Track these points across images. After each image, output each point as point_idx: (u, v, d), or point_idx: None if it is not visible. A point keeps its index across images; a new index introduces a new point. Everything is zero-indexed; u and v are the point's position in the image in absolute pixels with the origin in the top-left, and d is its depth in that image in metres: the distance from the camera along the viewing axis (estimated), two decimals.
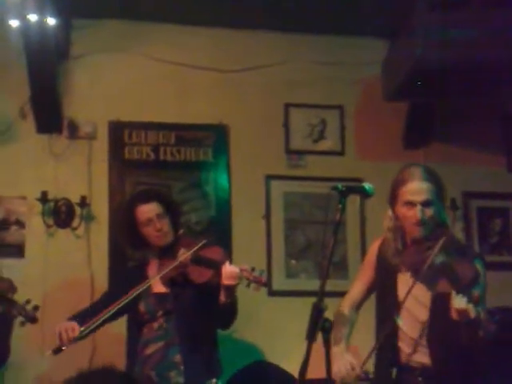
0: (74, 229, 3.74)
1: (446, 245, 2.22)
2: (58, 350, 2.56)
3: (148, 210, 2.71)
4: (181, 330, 2.63)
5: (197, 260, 2.61)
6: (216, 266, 2.56)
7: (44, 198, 3.68)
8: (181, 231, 2.82)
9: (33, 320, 2.69)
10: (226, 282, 2.49)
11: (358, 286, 2.49)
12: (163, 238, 2.71)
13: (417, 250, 2.27)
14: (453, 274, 2.11)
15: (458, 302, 2.01)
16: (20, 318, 2.68)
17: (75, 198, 3.74)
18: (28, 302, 2.69)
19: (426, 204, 2.23)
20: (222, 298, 2.55)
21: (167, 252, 2.70)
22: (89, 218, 3.78)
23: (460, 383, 2.21)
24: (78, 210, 3.74)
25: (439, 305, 2.20)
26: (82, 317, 2.63)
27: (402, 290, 2.28)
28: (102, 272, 3.68)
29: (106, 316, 2.59)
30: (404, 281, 2.29)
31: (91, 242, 3.76)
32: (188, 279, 2.63)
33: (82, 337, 2.58)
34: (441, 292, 2.16)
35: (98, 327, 2.63)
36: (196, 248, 2.63)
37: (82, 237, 3.76)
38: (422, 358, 2.25)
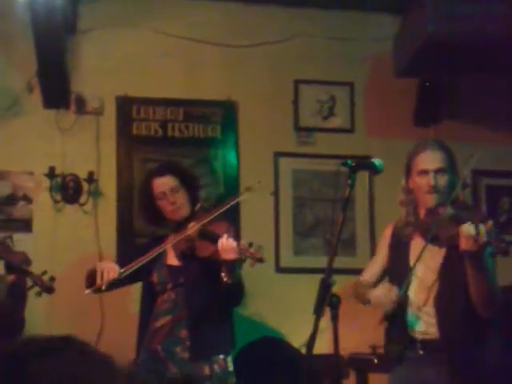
0: (82, 204, 3.74)
1: (457, 203, 2.22)
2: (97, 290, 2.57)
3: (162, 184, 2.69)
4: (188, 304, 2.62)
5: (203, 234, 2.59)
6: (212, 241, 2.54)
7: (51, 174, 3.67)
8: (198, 205, 2.77)
9: (49, 290, 2.69)
10: (223, 255, 2.45)
11: (373, 266, 2.50)
12: (177, 211, 2.68)
13: (430, 217, 2.27)
14: (461, 221, 2.10)
15: (466, 228, 2.00)
16: (36, 289, 2.68)
17: (83, 174, 3.73)
18: (44, 273, 2.69)
19: (438, 171, 2.25)
20: (224, 276, 2.50)
21: (183, 226, 2.67)
22: (96, 194, 3.77)
23: (465, 355, 2.21)
24: (85, 185, 3.73)
25: (448, 269, 2.20)
26: (120, 262, 2.66)
27: (413, 257, 2.29)
28: (109, 248, 3.67)
29: (144, 262, 2.58)
30: (416, 247, 2.30)
31: (99, 217, 3.75)
32: (195, 253, 2.62)
33: (119, 279, 2.57)
34: (450, 249, 2.15)
35: (133, 277, 2.63)
36: (203, 222, 2.60)
37: (89, 213, 3.76)
38: (426, 328, 2.25)
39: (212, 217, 2.62)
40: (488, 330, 2.23)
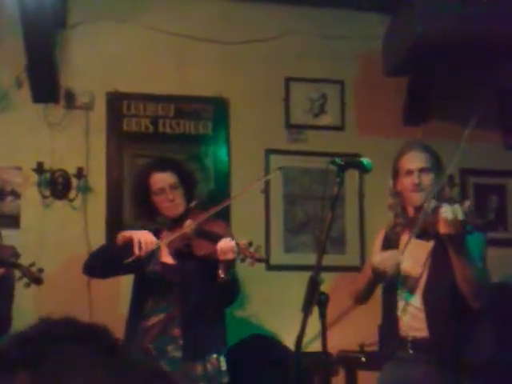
0: (71, 200, 3.72)
1: (441, 197, 2.27)
2: (135, 259, 2.53)
3: (162, 179, 2.65)
4: (183, 303, 2.60)
5: (199, 232, 2.58)
6: (217, 240, 2.52)
7: (40, 169, 3.64)
8: (193, 203, 2.75)
9: (38, 281, 2.67)
10: (223, 255, 2.45)
11: (366, 270, 2.51)
12: (174, 209, 2.65)
13: (417, 213, 2.30)
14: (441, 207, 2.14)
15: (444, 211, 2.05)
16: (25, 280, 2.65)
17: (72, 169, 3.70)
18: (32, 264, 2.67)
19: (422, 170, 2.31)
20: (220, 273, 2.51)
21: (178, 223, 2.66)
22: (86, 190, 3.75)
23: (454, 351, 2.21)
24: (74, 181, 3.71)
25: (436, 262, 2.22)
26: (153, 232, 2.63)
27: (407, 258, 2.31)
28: (98, 244, 3.58)
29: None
30: (404, 242, 2.32)
31: (88, 213, 3.74)
32: (191, 251, 2.60)
33: (154, 250, 2.56)
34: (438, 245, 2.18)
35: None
36: (200, 220, 2.59)
37: (78, 208, 3.73)
38: (413, 323, 2.26)
39: (209, 215, 2.61)
40: (478, 326, 2.23)
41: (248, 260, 2.43)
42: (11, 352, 0.71)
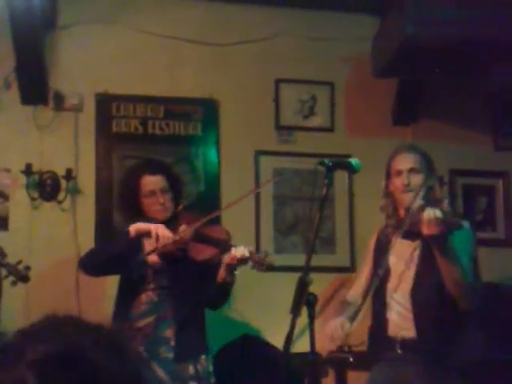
0: (60, 202, 3.71)
1: (428, 197, 2.29)
2: (152, 251, 2.54)
3: (152, 182, 2.66)
4: (175, 305, 2.60)
5: (200, 237, 2.59)
6: (220, 245, 2.55)
7: (28, 171, 3.63)
8: (180, 206, 2.76)
9: (24, 279, 2.66)
10: (232, 261, 2.49)
11: (362, 274, 2.53)
12: (164, 212, 2.66)
13: (405, 215, 2.32)
14: (425, 207, 2.18)
15: (427, 214, 2.09)
16: (11, 278, 2.64)
17: (61, 171, 3.69)
18: (19, 262, 2.65)
19: (411, 171, 2.34)
20: (223, 275, 2.53)
21: (168, 227, 2.65)
22: (75, 192, 3.74)
23: (442, 351, 2.22)
24: (63, 183, 3.69)
25: (424, 262, 2.23)
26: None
27: (392, 256, 2.32)
28: (87, 246, 3.57)
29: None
30: (393, 243, 2.34)
31: (77, 215, 3.72)
32: (187, 255, 2.59)
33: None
34: (426, 247, 2.21)
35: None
36: (199, 224, 2.60)
37: (67, 210, 3.72)
38: (399, 321, 2.27)
39: (205, 220, 2.63)
40: (467, 325, 2.25)
41: (257, 266, 2.49)
42: (18, 347, 0.72)
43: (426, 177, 2.36)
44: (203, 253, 2.57)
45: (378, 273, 2.33)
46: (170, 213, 2.68)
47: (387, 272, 2.36)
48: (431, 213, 2.07)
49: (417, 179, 2.33)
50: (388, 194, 2.41)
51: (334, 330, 2.27)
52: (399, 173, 2.36)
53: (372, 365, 2.41)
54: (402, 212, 2.37)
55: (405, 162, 2.37)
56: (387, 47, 3.74)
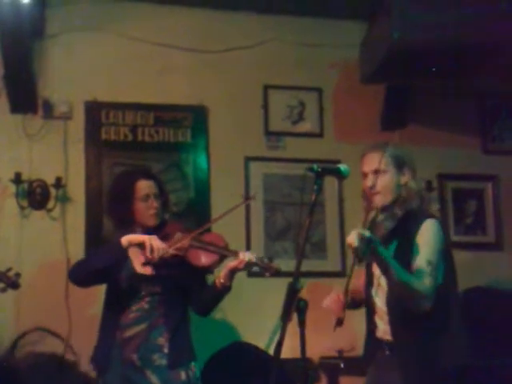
0: (49, 210, 3.70)
1: (384, 209, 2.25)
2: (147, 263, 2.54)
3: (148, 186, 2.68)
4: (167, 312, 2.61)
5: (198, 244, 2.59)
6: (222, 252, 2.56)
7: (18, 180, 3.62)
8: (167, 215, 2.80)
9: (14, 286, 2.64)
10: (239, 265, 2.51)
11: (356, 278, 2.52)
12: (155, 217, 2.67)
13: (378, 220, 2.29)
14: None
15: (349, 236, 2.07)
16: (1, 285, 2.63)
17: (50, 179, 3.69)
18: (9, 269, 2.64)
19: (376, 172, 2.26)
20: (224, 280, 2.55)
21: (154, 233, 2.64)
22: (64, 200, 3.74)
23: (415, 356, 2.20)
24: (53, 191, 3.69)
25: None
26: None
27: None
28: (77, 254, 3.59)
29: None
30: None
31: (67, 223, 3.72)
32: (185, 262, 2.59)
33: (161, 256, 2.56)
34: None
35: (106, 274, 2.59)
36: (199, 231, 2.62)
37: (57, 219, 3.71)
38: (379, 325, 2.27)
39: (203, 229, 2.65)
40: (446, 330, 2.21)
41: (264, 271, 2.50)
42: None
43: (397, 175, 2.28)
44: (203, 259, 2.58)
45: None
46: (159, 220, 2.70)
47: (371, 275, 2.35)
48: (350, 237, 2.05)
49: (383, 180, 2.25)
50: (365, 196, 2.37)
51: (332, 302, 2.24)
52: (365, 175, 2.31)
53: (366, 367, 2.39)
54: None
55: (369, 163, 2.30)
56: (374, 53, 3.78)
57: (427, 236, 2.20)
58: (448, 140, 4.26)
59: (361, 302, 2.43)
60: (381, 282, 2.26)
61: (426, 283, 2.12)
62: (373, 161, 2.28)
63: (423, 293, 2.12)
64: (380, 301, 2.28)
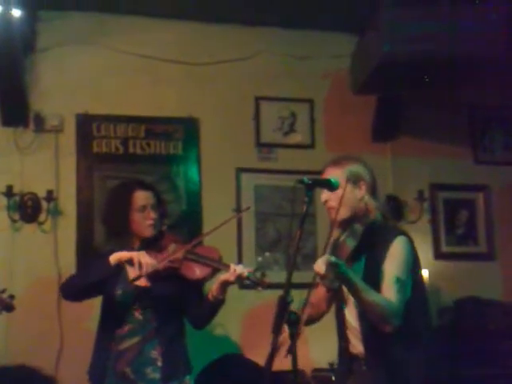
0: (41, 223, 3.69)
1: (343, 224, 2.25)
2: (137, 278, 2.52)
3: (145, 197, 2.67)
4: (161, 325, 2.59)
5: (195, 257, 2.59)
6: (215, 265, 2.56)
7: (9, 193, 3.62)
8: (164, 227, 2.79)
9: (9, 308, 2.62)
10: (230, 278, 2.50)
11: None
12: (152, 228, 2.66)
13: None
14: None
15: (316, 264, 2.04)
16: None
17: (42, 193, 3.68)
18: (3, 291, 2.62)
19: (331, 188, 2.22)
20: (216, 292, 2.55)
21: (151, 245, 2.65)
22: (56, 213, 3.73)
23: (386, 371, 2.17)
24: (44, 204, 3.68)
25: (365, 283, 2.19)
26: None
27: None
28: (69, 267, 3.60)
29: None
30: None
31: (58, 236, 3.71)
32: (178, 274, 2.58)
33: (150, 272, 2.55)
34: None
35: (100, 287, 2.60)
36: (193, 244, 2.62)
37: (48, 232, 3.71)
38: (352, 340, 2.25)
39: (197, 241, 2.66)
40: (412, 346, 2.16)
41: (255, 285, 2.51)
42: None
43: (353, 188, 2.26)
44: (197, 272, 2.57)
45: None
46: (156, 231, 2.69)
47: (341, 292, 2.29)
48: (317, 264, 2.03)
49: (337, 194, 2.21)
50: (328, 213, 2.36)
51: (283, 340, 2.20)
52: (323, 190, 2.29)
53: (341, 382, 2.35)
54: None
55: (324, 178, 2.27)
56: (365, 64, 3.80)
57: (397, 253, 2.18)
58: (439, 151, 4.29)
59: (317, 317, 2.40)
60: (351, 298, 2.22)
61: (394, 301, 2.10)
62: (329, 176, 2.26)
63: (392, 312, 2.09)
64: (351, 317, 2.26)
